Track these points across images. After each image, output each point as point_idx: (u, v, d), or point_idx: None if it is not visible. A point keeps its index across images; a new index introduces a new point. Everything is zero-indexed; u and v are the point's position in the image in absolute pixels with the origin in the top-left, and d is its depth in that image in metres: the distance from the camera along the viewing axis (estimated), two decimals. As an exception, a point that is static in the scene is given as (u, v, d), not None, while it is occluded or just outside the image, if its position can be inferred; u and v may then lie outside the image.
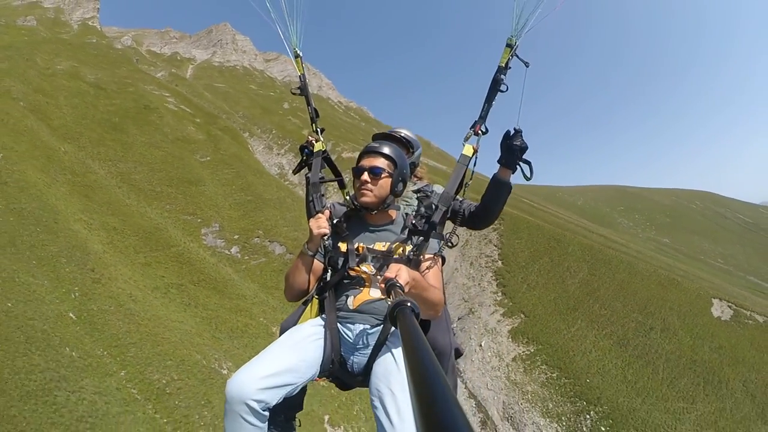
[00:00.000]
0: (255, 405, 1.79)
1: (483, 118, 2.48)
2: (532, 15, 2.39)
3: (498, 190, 2.59)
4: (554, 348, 12.32)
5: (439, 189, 2.81)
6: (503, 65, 2.43)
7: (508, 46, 2.45)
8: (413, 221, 2.25)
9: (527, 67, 2.48)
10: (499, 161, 2.52)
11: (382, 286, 1.60)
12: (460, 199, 2.80)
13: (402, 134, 2.96)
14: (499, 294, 14.33)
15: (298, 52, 2.79)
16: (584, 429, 10.59)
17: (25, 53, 24.33)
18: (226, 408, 1.83)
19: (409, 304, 1.20)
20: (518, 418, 11.31)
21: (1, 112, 14.82)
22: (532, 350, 12.48)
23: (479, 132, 2.48)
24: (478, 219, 2.68)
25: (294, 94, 2.75)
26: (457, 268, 16.18)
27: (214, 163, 21.06)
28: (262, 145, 28.61)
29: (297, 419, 2.33)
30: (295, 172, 2.78)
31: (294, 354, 2.01)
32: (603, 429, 10.43)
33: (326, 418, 10.13)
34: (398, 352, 1.97)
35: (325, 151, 2.62)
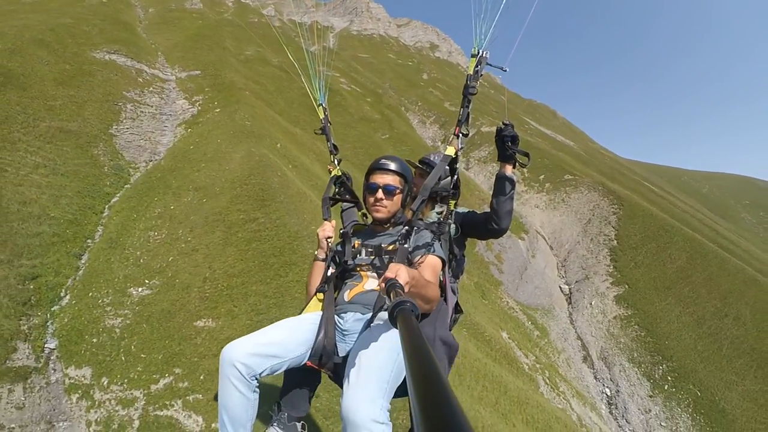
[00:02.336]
0: (242, 369, 2.03)
1: (461, 121, 2.70)
2: (491, 28, 2.64)
3: (499, 185, 2.76)
4: (646, 314, 16.40)
5: (461, 209, 3.15)
6: (471, 73, 2.67)
7: (473, 56, 2.69)
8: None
9: (504, 71, 2.75)
10: (498, 158, 2.76)
11: (382, 285, 1.70)
12: (470, 210, 3.16)
13: (431, 161, 3.21)
14: (611, 267, 18.43)
15: (323, 103, 3.22)
16: (656, 375, 14.67)
17: (216, 40, 27.62)
18: (219, 371, 2.08)
19: (408, 304, 1.31)
20: (610, 360, 15.90)
21: (246, 105, 18.33)
22: (629, 313, 16.72)
23: (458, 134, 2.70)
24: (491, 219, 2.85)
25: (317, 134, 3.24)
26: (579, 242, 20.43)
27: (393, 141, 24.69)
28: (416, 119, 31.74)
29: (302, 423, 2.48)
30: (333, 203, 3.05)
31: (286, 332, 2.28)
32: (669, 378, 14.38)
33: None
34: (378, 328, 2.16)
35: (341, 177, 3.01)
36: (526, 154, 2.64)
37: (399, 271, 1.77)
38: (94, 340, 7.38)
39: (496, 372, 10.26)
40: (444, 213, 2.88)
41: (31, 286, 8.19)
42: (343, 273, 2.61)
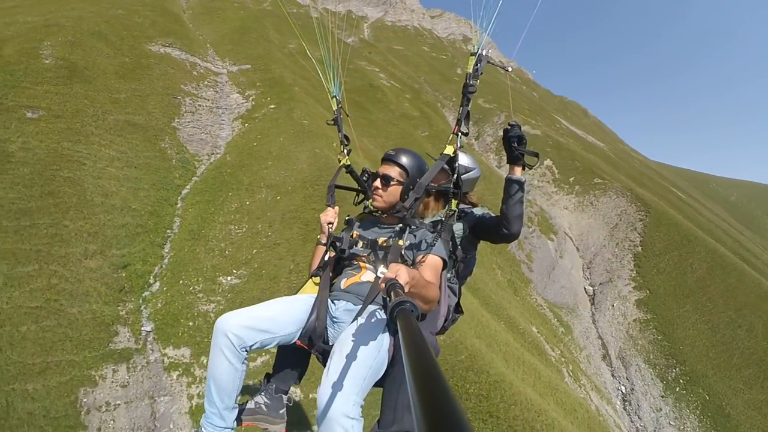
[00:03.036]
0: (234, 339, 2.12)
1: (460, 120, 2.68)
2: (489, 26, 2.65)
3: (508, 188, 2.71)
4: (664, 319, 17.01)
5: (478, 210, 3.12)
6: (470, 71, 2.67)
7: (472, 55, 2.69)
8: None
9: (507, 71, 2.83)
10: (507, 160, 2.72)
11: (382, 286, 1.69)
12: (485, 213, 3.08)
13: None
14: (634, 272, 18.99)
15: (336, 95, 3.20)
16: (669, 377, 15.38)
17: (261, 33, 27.52)
18: (212, 340, 2.18)
19: (408, 304, 1.32)
20: (627, 359, 16.64)
21: (300, 102, 18.73)
22: (649, 317, 17.33)
23: (457, 133, 2.68)
24: (501, 224, 2.79)
25: (329, 124, 3.25)
26: (605, 245, 20.93)
27: (431, 138, 24.73)
28: (451, 116, 31.42)
29: (289, 396, 2.57)
30: (357, 203, 3.10)
31: (280, 309, 2.35)
32: (681, 381, 15.07)
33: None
34: (363, 322, 2.18)
35: (349, 165, 3.02)
36: (535, 154, 2.63)
37: (399, 271, 1.79)
38: (190, 324, 8.46)
39: (531, 360, 11.19)
40: (448, 214, 2.77)
41: (123, 274, 9.18)
42: (341, 260, 2.65)
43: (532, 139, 29.23)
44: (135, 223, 10.72)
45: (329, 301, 2.47)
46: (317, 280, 2.60)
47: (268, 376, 2.63)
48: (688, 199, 32.35)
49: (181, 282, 9.50)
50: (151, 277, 9.69)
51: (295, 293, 2.62)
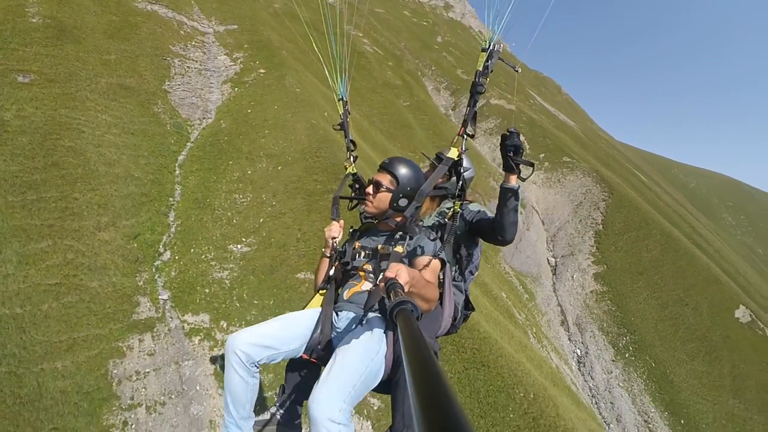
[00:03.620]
0: (242, 356, 2.19)
1: (466, 121, 2.60)
2: (503, 22, 2.49)
3: (502, 196, 2.69)
4: (619, 292, 18.47)
5: (473, 207, 3.11)
6: (480, 69, 2.55)
7: (483, 51, 2.54)
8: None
9: (517, 72, 2.66)
10: (502, 167, 2.65)
11: (382, 285, 1.73)
12: (480, 210, 3.06)
13: (444, 157, 2.92)
14: (594, 247, 20.35)
15: (344, 97, 3.12)
16: (620, 344, 16.98)
17: None
18: (225, 356, 2.25)
19: (409, 304, 1.33)
20: (583, 326, 18.11)
21: (291, 69, 18.38)
22: (605, 289, 18.78)
23: (463, 135, 2.62)
24: (496, 230, 2.78)
25: (335, 129, 3.17)
26: (569, 221, 22.17)
27: (413, 109, 24.53)
28: (431, 86, 31.52)
29: (303, 405, 2.60)
30: (351, 208, 3.03)
31: (284, 326, 2.39)
32: (631, 348, 16.68)
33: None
34: (361, 329, 2.26)
35: (356, 173, 3.04)
36: (531, 164, 2.58)
37: (399, 271, 1.81)
38: (207, 291, 8.85)
39: (504, 322, 12.29)
40: (450, 214, 2.78)
41: (135, 245, 9.31)
42: (346, 272, 2.67)
43: (506, 114, 29.98)
44: (139, 192, 10.78)
45: (333, 313, 2.49)
46: (323, 293, 2.63)
47: (283, 388, 2.69)
48: (649, 182, 34.15)
49: (192, 251, 9.80)
50: (161, 246, 9.91)
51: (304, 308, 2.65)
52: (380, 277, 1.94)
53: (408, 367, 0.76)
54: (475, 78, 2.57)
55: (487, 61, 2.54)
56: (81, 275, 8.06)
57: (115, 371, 7.18)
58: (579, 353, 17.57)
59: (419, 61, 34.74)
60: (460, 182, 2.68)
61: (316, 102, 16.99)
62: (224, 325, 8.30)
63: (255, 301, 8.75)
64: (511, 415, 8.21)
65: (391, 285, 1.67)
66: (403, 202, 2.57)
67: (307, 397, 2.40)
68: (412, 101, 26.03)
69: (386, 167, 2.66)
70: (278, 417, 2.57)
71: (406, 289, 1.74)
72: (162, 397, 7.16)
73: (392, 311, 1.29)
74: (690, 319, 17.21)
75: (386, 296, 1.69)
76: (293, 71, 18.84)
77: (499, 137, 2.65)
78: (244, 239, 10.23)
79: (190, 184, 11.98)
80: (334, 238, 2.71)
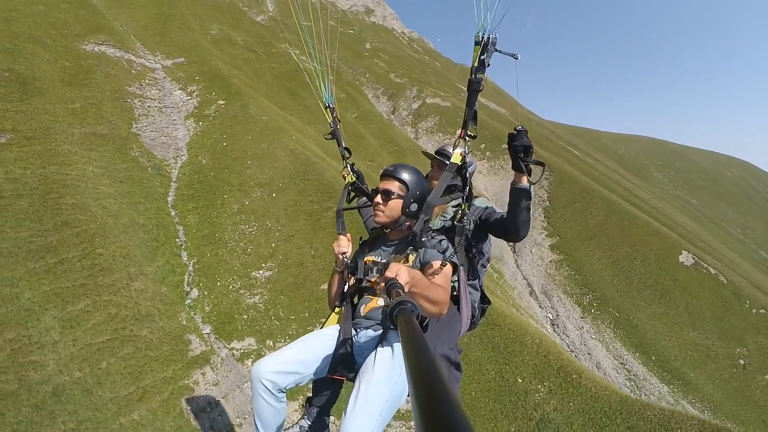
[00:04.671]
0: (268, 384, 2.20)
1: (466, 123, 2.54)
2: (495, 7, 2.22)
3: (513, 196, 2.66)
4: (574, 258, 20.47)
5: (480, 203, 3.07)
6: (476, 65, 2.39)
7: (477, 44, 2.36)
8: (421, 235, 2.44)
9: (516, 59, 2.36)
10: (512, 167, 2.62)
11: (383, 286, 1.71)
12: (488, 206, 3.02)
13: (448, 152, 2.99)
14: (545, 222, 22.31)
15: (330, 104, 3.14)
16: (584, 303, 18.86)
17: (181, 20, 25.86)
18: (251, 386, 2.27)
19: (408, 304, 1.31)
20: (549, 293, 19.93)
21: (249, 97, 18.62)
22: (561, 258, 20.73)
23: (464, 137, 2.56)
24: (507, 230, 2.79)
25: (327, 139, 3.21)
26: (519, 204, 24.67)
27: (361, 120, 24.93)
28: (371, 93, 32.16)
29: (331, 415, 2.63)
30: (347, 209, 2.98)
31: (307, 348, 2.38)
32: (594, 304, 18.57)
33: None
34: (382, 351, 2.21)
35: (355, 182, 3.01)
36: (542, 164, 2.53)
37: (399, 271, 1.79)
38: (245, 317, 9.38)
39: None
40: (459, 216, 2.73)
41: (165, 289, 9.58)
42: (360, 287, 2.63)
43: (443, 111, 31.51)
44: (150, 238, 10.98)
45: (352, 329, 2.47)
46: (339, 310, 2.62)
47: (309, 400, 2.68)
48: (582, 155, 36.99)
49: (218, 284, 10.24)
50: (185, 285, 10.29)
51: (321, 327, 2.63)
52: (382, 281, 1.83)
53: (408, 367, 0.75)
54: (471, 74, 2.44)
55: (482, 55, 2.36)
56: (130, 327, 8.32)
57: (189, 407, 7.57)
58: (551, 317, 19.40)
59: (353, 71, 35.41)
60: (467, 185, 2.62)
61: (283, 127, 17.49)
62: (270, 344, 8.91)
63: (292, 317, 9.39)
64: (527, 357, 9.67)
65: (391, 285, 1.66)
66: (414, 207, 2.57)
67: (331, 407, 2.57)
68: (359, 112, 26.73)
69: (392, 174, 2.65)
70: (307, 429, 2.56)
71: (406, 289, 1.72)
72: (237, 419, 7.70)
73: (392, 311, 1.28)
74: (641, 270, 19.46)
75: (386, 296, 1.69)
76: (252, 99, 19.23)
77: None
78: (263, 265, 10.79)
79: (191, 223, 12.25)
80: (344, 253, 2.65)
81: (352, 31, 45.95)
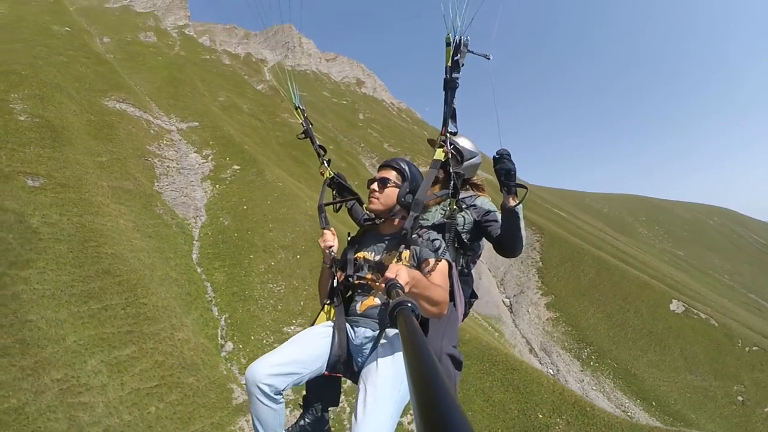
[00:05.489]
0: (266, 388, 2.07)
1: (446, 120, 2.48)
2: (464, 9, 2.26)
3: (504, 217, 2.61)
4: (570, 314, 21.15)
5: (482, 202, 2.95)
6: (449, 65, 2.36)
7: (448, 45, 2.35)
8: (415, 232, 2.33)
9: (489, 60, 2.40)
10: (500, 189, 2.54)
11: (383, 286, 1.67)
12: (490, 210, 2.91)
13: (456, 143, 2.94)
14: (539, 282, 23.14)
15: (299, 105, 3.05)
16: (583, 356, 19.30)
17: (191, 85, 26.97)
18: (247, 390, 2.14)
19: (409, 304, 1.29)
20: (548, 349, 20.25)
21: (264, 164, 19.19)
22: (558, 315, 21.36)
23: (445, 134, 2.50)
24: (501, 246, 2.73)
25: (300, 139, 3.05)
26: (512, 264, 24.97)
27: (361, 188, 27.53)
28: (368, 162, 33.58)
29: (329, 411, 2.55)
30: (337, 210, 2.90)
31: (302, 348, 2.26)
32: (593, 357, 19.03)
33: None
34: (384, 352, 2.15)
35: (333, 177, 2.86)
36: (524, 187, 2.55)
37: (399, 272, 1.77)
38: None
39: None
40: (447, 212, 2.70)
41: (203, 340, 9.98)
42: (350, 284, 2.56)
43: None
44: (183, 292, 11.33)
45: (348, 326, 2.42)
46: (328, 308, 2.57)
47: (306, 398, 2.66)
48: (569, 216, 38.88)
49: (252, 338, 10.53)
50: (220, 339, 10.53)
51: (312, 323, 2.56)
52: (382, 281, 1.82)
53: (408, 367, 0.75)
54: (446, 74, 2.43)
55: (455, 56, 2.38)
56: (177, 374, 8.57)
57: (238, 451, 7.76)
58: (552, 372, 19.63)
59: (348, 140, 37.04)
60: (452, 183, 2.58)
61: (298, 194, 18.29)
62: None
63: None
64: (545, 395, 10.34)
65: (391, 285, 1.65)
66: (409, 197, 2.46)
67: (330, 404, 2.57)
68: (359, 180, 27.59)
69: (389, 164, 2.59)
70: (308, 428, 2.53)
71: (406, 289, 1.72)
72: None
73: (392, 311, 1.27)
74: (634, 321, 20.16)
75: (386, 296, 1.68)
76: (266, 166, 20.12)
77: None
78: (294, 321, 11.18)
79: (219, 280, 12.62)
80: (330, 247, 2.58)
81: (345, 102, 48.43)
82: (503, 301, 24.06)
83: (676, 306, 21.13)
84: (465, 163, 2.96)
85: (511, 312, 23.20)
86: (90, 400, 7.66)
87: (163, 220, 14.37)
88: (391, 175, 2.52)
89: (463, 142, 2.93)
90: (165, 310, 9.85)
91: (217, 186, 18.24)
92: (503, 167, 2.47)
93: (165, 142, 20.11)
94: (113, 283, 10.03)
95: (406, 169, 2.52)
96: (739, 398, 16.64)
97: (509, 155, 2.50)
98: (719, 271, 51.52)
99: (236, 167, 19.48)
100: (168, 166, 18.30)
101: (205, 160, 20.32)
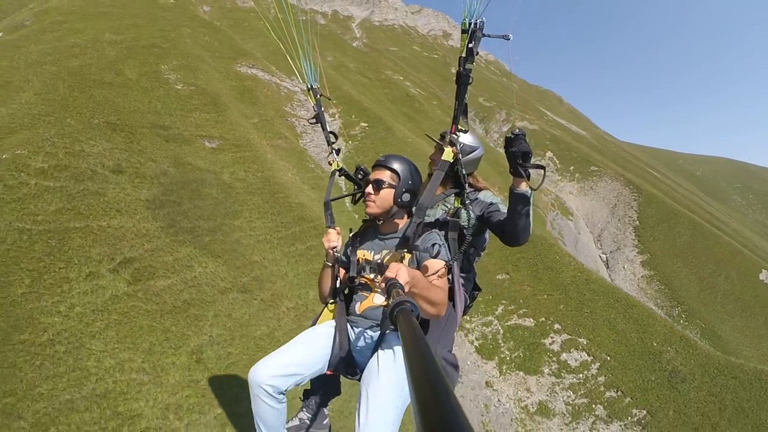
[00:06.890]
0: (269, 389, 2.11)
1: (457, 117, 2.36)
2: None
3: (512, 202, 2.40)
4: (664, 274, 22.04)
5: (485, 196, 2.82)
6: (464, 55, 2.20)
7: (464, 32, 2.19)
8: (413, 232, 2.25)
9: (508, 40, 2.17)
10: (510, 172, 2.36)
11: (383, 286, 1.66)
12: (492, 202, 2.77)
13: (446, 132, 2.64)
14: (636, 240, 23.91)
15: (313, 85, 2.91)
16: (674, 314, 20.27)
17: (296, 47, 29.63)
18: (250, 391, 2.17)
19: (408, 304, 1.27)
20: (645, 301, 21.49)
21: (389, 122, 20.30)
22: (652, 273, 22.26)
23: (456, 133, 2.39)
24: (507, 234, 2.54)
25: (311, 123, 2.96)
26: (609, 221, 25.76)
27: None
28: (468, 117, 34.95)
29: (328, 406, 2.60)
30: (355, 201, 2.79)
31: (304, 349, 2.28)
32: (683, 316, 20.01)
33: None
34: (384, 356, 2.13)
35: (342, 168, 2.80)
36: (542, 167, 2.31)
37: (399, 271, 1.76)
38: None
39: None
40: (452, 211, 2.62)
41: None
42: (352, 283, 2.51)
43: (531, 134, 33.06)
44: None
45: (348, 327, 2.43)
46: (332, 306, 2.55)
47: (307, 393, 2.67)
48: (662, 177, 38.08)
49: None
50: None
51: (315, 321, 2.59)
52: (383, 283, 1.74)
53: (408, 367, 0.75)
54: (459, 66, 2.26)
55: (470, 43, 2.20)
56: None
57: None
58: (645, 326, 21.13)
59: (446, 95, 36.93)
60: (464, 181, 2.53)
61: (426, 150, 19.62)
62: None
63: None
64: (658, 327, 11.93)
65: (391, 285, 1.62)
66: (406, 197, 2.42)
67: (330, 398, 2.60)
68: None
69: (383, 164, 2.49)
70: (307, 421, 2.57)
71: (406, 289, 1.71)
72: None
73: (392, 311, 1.24)
74: (724, 286, 20.85)
75: (386, 296, 1.68)
76: (392, 123, 21.49)
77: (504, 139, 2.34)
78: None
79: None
80: (334, 247, 2.52)
81: (436, 56, 47.93)
82: (600, 256, 25.32)
83: (765, 276, 21.59)
84: (467, 157, 2.83)
85: (607, 267, 24.55)
86: (317, 322, 9.92)
87: (316, 173, 15.76)
88: (385, 175, 2.45)
89: (464, 137, 2.67)
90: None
91: (350, 142, 19.88)
92: (521, 148, 2.24)
93: (295, 102, 21.37)
94: (309, 227, 11.19)
95: (400, 169, 2.45)
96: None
97: (525, 135, 2.29)
98: (809, 247, 48.00)
99: (364, 124, 20.88)
100: (305, 125, 19.79)
101: (332, 119, 21.78)
